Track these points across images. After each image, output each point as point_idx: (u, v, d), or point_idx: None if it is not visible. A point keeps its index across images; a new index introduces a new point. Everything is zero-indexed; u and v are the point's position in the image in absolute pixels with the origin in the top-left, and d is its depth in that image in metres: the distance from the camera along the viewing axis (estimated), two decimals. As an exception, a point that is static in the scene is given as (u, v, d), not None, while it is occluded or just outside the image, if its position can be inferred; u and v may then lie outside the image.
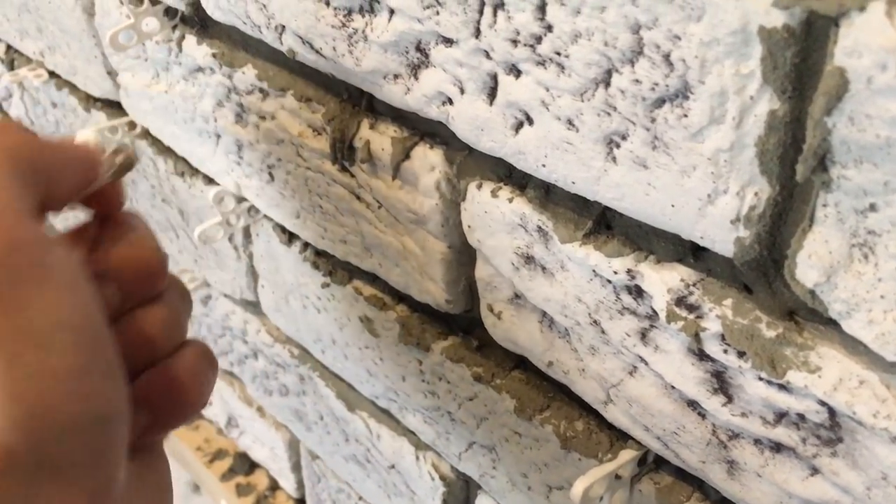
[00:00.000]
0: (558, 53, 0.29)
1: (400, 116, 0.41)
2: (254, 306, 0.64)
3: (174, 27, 0.53)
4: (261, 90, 0.48)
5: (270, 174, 0.51)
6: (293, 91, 0.46)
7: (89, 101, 0.70)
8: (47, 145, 0.27)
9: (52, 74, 0.74)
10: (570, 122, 0.30)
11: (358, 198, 0.45)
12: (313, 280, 0.53)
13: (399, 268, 0.45)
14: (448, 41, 0.33)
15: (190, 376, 0.31)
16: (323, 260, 0.52)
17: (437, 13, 0.33)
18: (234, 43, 0.50)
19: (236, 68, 0.49)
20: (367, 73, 0.38)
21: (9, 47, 0.81)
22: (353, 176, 0.44)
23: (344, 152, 0.43)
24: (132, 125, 0.65)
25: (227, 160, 0.54)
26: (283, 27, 0.42)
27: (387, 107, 0.41)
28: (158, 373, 0.30)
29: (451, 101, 0.35)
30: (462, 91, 0.34)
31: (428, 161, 0.40)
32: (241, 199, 0.56)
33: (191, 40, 0.52)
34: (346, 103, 0.43)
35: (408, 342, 0.47)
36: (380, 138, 0.41)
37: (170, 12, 0.53)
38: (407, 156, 0.40)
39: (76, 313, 0.24)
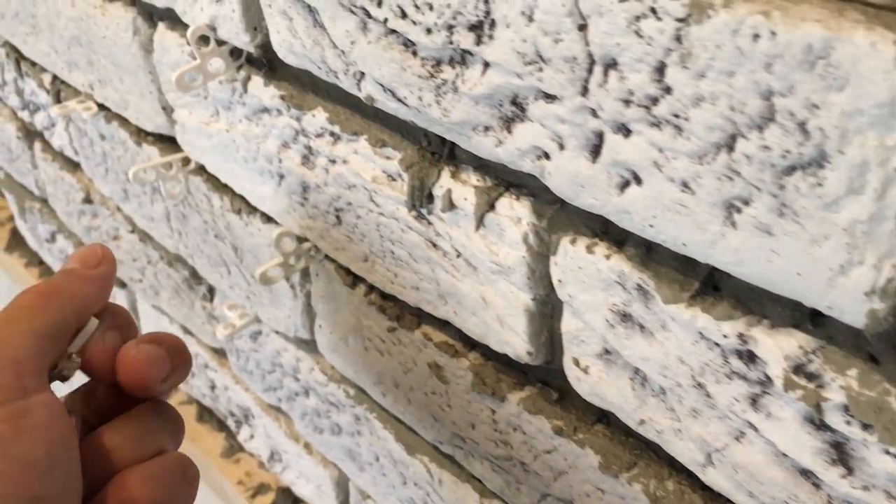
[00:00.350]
0: (676, 116, 0.29)
1: (483, 165, 0.41)
2: (308, 345, 0.63)
3: (239, 68, 0.53)
4: (332, 134, 0.47)
5: (338, 217, 0.50)
6: (367, 136, 0.45)
7: (140, 135, 0.70)
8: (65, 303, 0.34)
9: (100, 107, 0.73)
10: (685, 185, 0.30)
11: (434, 245, 0.44)
12: (378, 323, 0.52)
13: (476, 317, 0.44)
14: (550, 97, 0.33)
15: (140, 485, 0.33)
16: (390, 304, 0.52)
17: (541, 70, 0.32)
18: (303, 85, 0.49)
19: (305, 111, 0.49)
20: (455, 124, 0.38)
21: (55, 78, 0.81)
22: (429, 224, 0.44)
23: (422, 200, 0.43)
24: (186, 161, 0.64)
25: (290, 200, 0.54)
26: (363, 74, 0.41)
27: (470, 155, 0.40)
28: (113, 482, 0.33)
29: (547, 156, 0.34)
30: (561, 147, 0.34)
31: (514, 213, 0.39)
32: (302, 240, 0.55)
33: (257, 81, 0.51)
34: (426, 150, 0.43)
35: (481, 391, 0.46)
36: (462, 188, 0.41)
37: (235, 53, 0.52)
38: (491, 207, 0.40)
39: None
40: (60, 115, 0.73)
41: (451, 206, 0.41)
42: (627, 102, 0.30)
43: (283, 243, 0.54)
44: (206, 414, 0.90)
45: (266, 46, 0.49)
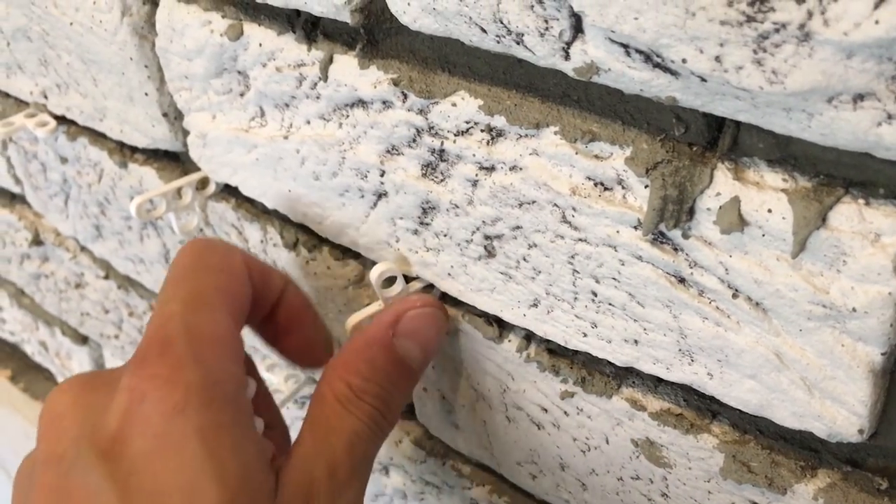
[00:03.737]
0: None
1: (785, 158, 0.27)
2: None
3: (310, 45, 0.37)
4: (488, 128, 0.32)
5: (488, 249, 0.35)
6: (559, 127, 0.31)
7: (125, 153, 0.53)
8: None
9: (60, 120, 0.56)
10: None
11: (682, 282, 0.30)
12: (542, 388, 0.38)
13: (755, 381, 0.30)
14: None
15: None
16: (564, 361, 0.37)
17: None
18: (426, 63, 0.34)
19: (437, 98, 0.33)
20: (788, 96, 0.24)
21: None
22: (678, 251, 0.29)
23: (680, 217, 0.28)
24: (203, 183, 0.48)
25: (393, 227, 0.38)
26: (578, 31, 0.27)
27: (767, 143, 0.26)
28: None
29: None
30: None
31: (867, 226, 0.25)
32: (409, 279, 0.40)
33: (346, 63, 0.36)
34: (677, 142, 0.28)
35: (742, 479, 0.32)
36: (758, 194, 0.27)
37: (298, 24, 0.36)
38: (822, 220, 0.26)
39: None
40: (5, 136, 0.55)
41: (740, 223, 0.27)
42: None
43: (388, 287, 0.39)
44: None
45: (368, 10, 0.34)
